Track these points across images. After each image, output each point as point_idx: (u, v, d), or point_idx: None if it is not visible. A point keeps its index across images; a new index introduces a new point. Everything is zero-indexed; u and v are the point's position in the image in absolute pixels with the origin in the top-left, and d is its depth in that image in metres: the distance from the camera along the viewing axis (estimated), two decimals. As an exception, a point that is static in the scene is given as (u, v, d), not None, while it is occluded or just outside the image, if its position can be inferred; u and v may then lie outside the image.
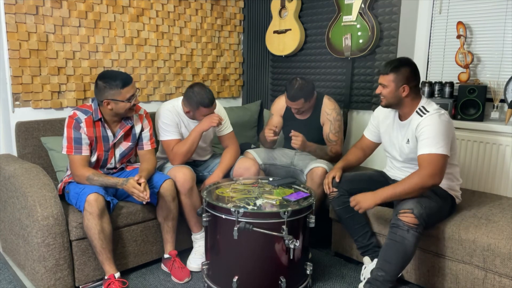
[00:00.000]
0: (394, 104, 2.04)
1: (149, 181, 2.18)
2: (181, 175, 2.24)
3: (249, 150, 2.66)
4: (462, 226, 1.93)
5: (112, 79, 2.03)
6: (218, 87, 3.50)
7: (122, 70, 2.86)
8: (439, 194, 1.98)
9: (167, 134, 2.39)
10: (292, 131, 2.42)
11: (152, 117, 2.58)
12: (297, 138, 2.40)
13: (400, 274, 2.08)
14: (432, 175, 1.86)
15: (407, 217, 1.82)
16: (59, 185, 2.22)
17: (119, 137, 2.19)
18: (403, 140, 2.07)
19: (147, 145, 2.30)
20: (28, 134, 2.42)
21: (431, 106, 1.99)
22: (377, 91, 2.06)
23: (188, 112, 2.38)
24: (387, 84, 2.00)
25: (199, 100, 2.28)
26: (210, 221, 1.98)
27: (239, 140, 3.21)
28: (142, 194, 1.98)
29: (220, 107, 2.59)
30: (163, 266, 2.30)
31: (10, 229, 2.21)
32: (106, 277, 2.02)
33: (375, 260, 2.05)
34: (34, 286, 2.06)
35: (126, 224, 2.17)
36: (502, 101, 2.50)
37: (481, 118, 2.49)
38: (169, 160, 2.44)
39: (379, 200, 1.94)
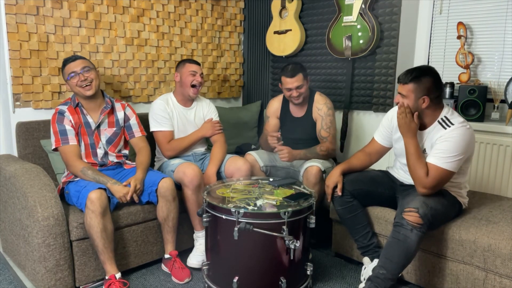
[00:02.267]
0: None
1: (148, 180, 2.20)
2: (191, 171, 2.25)
3: (250, 152, 2.66)
4: (463, 227, 1.93)
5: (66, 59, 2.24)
6: (218, 88, 3.50)
7: (123, 70, 2.87)
8: (447, 198, 1.97)
9: (158, 125, 2.49)
10: (277, 146, 2.46)
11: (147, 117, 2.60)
12: (282, 152, 2.43)
13: (400, 274, 2.08)
14: (427, 187, 1.87)
15: (412, 216, 1.81)
16: (58, 187, 2.22)
17: (100, 121, 2.26)
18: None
19: (137, 132, 2.40)
20: (29, 134, 2.42)
21: (456, 118, 1.90)
22: (396, 100, 1.97)
23: (178, 78, 2.54)
24: (406, 94, 1.90)
25: (185, 60, 2.59)
26: (211, 222, 1.98)
27: (239, 141, 3.23)
28: (126, 197, 2.09)
29: (211, 105, 2.71)
30: (163, 267, 2.30)
31: (10, 230, 2.21)
32: (107, 277, 2.02)
33: (375, 261, 2.05)
34: (34, 286, 2.06)
35: (127, 224, 2.17)
36: (503, 101, 2.50)
37: (482, 118, 2.49)
38: (160, 150, 2.52)
39: (410, 138, 1.93)
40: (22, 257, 2.11)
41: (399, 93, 1.94)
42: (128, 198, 2.10)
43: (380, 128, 2.21)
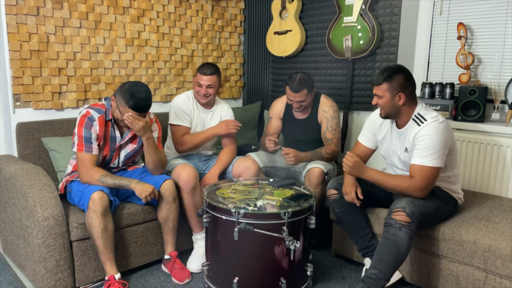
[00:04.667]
0: (393, 114, 1.99)
1: (150, 181, 2.19)
2: (185, 173, 2.25)
3: (249, 154, 2.66)
4: (463, 228, 1.92)
5: (132, 94, 2.01)
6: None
7: (123, 71, 2.87)
8: (438, 195, 1.98)
9: (178, 120, 2.50)
10: (282, 148, 2.46)
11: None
12: (288, 155, 2.43)
13: (401, 276, 2.08)
14: (422, 189, 1.90)
15: (399, 215, 1.83)
16: (61, 184, 2.23)
17: (126, 139, 2.22)
18: (401, 149, 2.04)
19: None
20: (29, 135, 2.42)
21: (429, 114, 1.94)
22: (373, 102, 2.00)
23: (193, 84, 2.54)
24: (381, 94, 1.95)
25: (202, 66, 2.56)
26: (211, 222, 1.98)
27: (239, 141, 3.22)
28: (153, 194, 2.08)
29: (229, 108, 2.69)
30: (163, 267, 2.30)
31: (10, 230, 2.21)
32: (106, 278, 2.02)
33: (376, 262, 2.05)
34: (34, 287, 2.06)
35: (127, 225, 2.17)
36: (503, 102, 2.50)
37: (482, 119, 2.49)
38: (174, 144, 2.53)
39: (366, 177, 2.04)
40: (22, 258, 2.11)
41: (374, 94, 1.98)
42: (156, 195, 2.09)
43: (364, 131, 2.25)
